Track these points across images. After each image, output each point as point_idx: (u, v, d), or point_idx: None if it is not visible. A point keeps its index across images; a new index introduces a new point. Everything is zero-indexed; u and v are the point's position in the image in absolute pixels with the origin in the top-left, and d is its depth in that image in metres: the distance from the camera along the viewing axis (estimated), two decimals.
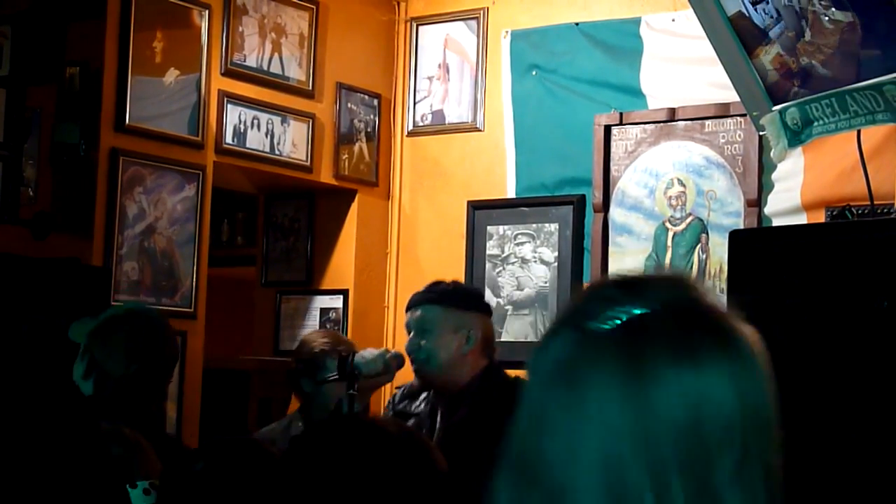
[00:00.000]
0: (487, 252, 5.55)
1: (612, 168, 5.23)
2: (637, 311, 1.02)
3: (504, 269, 5.50)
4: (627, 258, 5.17)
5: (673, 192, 5.11)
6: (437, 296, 3.75)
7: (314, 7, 5.55)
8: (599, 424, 0.98)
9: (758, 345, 1.06)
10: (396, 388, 3.95)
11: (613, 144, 5.24)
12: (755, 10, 3.17)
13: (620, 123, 5.23)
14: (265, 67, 5.34)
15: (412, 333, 3.74)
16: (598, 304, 1.04)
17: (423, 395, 3.81)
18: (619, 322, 1.02)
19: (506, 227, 5.52)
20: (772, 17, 3.15)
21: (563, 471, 0.98)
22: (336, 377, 3.97)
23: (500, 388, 3.56)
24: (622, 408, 0.98)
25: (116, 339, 3.05)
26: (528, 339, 5.35)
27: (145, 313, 3.30)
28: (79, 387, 3.02)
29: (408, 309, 3.79)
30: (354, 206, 5.75)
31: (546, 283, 5.39)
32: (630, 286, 1.06)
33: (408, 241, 5.84)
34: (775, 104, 3.26)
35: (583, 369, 1.01)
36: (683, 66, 5.09)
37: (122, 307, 3.46)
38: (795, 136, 3.25)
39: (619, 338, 1.01)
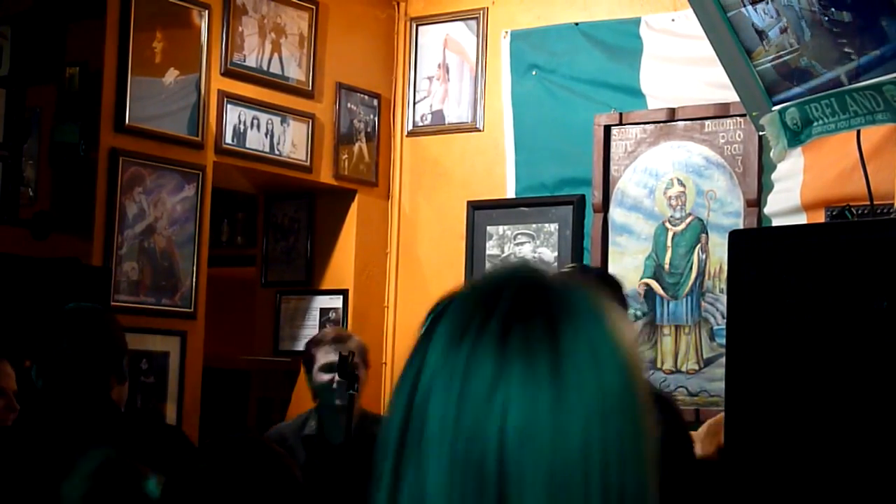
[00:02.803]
0: (487, 252, 5.55)
1: (612, 168, 5.24)
2: (429, 318, 1.05)
3: None
4: (627, 258, 5.17)
5: (673, 192, 5.11)
6: None
7: (314, 7, 5.55)
8: None
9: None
10: None
11: (613, 144, 5.24)
12: (755, 10, 3.17)
13: (620, 123, 5.23)
14: (265, 67, 5.34)
15: None
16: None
17: None
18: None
19: (506, 227, 5.52)
20: (772, 17, 3.15)
21: None
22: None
23: None
24: None
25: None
26: None
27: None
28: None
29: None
30: (354, 206, 5.75)
31: None
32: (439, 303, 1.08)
33: (408, 241, 5.84)
34: (775, 104, 3.27)
35: None
36: (683, 66, 5.09)
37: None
38: (795, 136, 3.26)
39: (418, 341, 1.06)
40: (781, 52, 3.15)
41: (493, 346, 0.97)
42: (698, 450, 3.36)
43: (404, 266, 5.84)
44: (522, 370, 0.96)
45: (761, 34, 3.14)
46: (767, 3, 3.12)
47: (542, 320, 0.98)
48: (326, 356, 4.35)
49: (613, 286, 3.68)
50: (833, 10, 2.97)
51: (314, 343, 4.48)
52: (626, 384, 0.99)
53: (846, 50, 2.99)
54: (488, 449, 0.95)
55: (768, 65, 3.19)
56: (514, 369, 0.96)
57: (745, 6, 3.19)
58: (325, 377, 4.34)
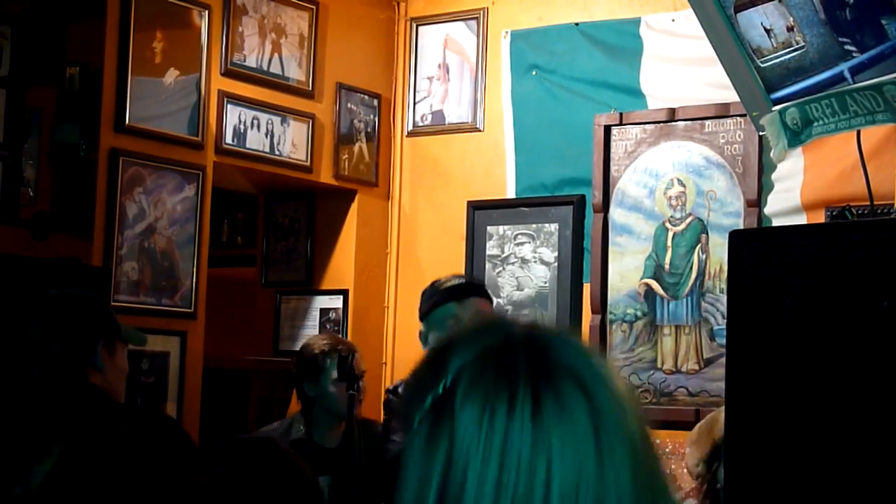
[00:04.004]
0: (487, 252, 5.55)
1: (612, 168, 5.24)
2: (440, 390, 1.03)
3: (504, 269, 5.50)
4: (627, 258, 5.17)
5: (673, 192, 5.11)
6: (483, 289, 3.81)
7: (314, 7, 5.55)
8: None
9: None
10: (387, 390, 3.95)
11: (613, 144, 5.24)
12: (755, 10, 3.17)
13: (620, 123, 5.23)
14: (265, 67, 5.34)
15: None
16: (415, 391, 1.07)
17: None
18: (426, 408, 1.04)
19: (506, 227, 5.52)
20: (772, 17, 3.15)
21: None
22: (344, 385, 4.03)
23: None
24: None
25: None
26: None
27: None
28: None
29: (459, 298, 3.69)
30: (354, 207, 5.76)
31: (546, 283, 5.39)
32: (431, 365, 1.07)
33: (408, 242, 5.84)
34: (775, 104, 3.26)
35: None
36: (683, 66, 5.09)
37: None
38: (795, 137, 3.25)
39: (427, 426, 1.04)
40: (788, 49, 3.15)
41: (529, 415, 0.97)
42: (693, 452, 3.35)
43: (404, 266, 5.84)
44: (562, 434, 0.97)
45: (769, 32, 3.15)
46: (767, 3, 3.12)
47: (569, 381, 0.99)
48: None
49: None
50: (837, 11, 2.97)
51: (326, 353, 4.40)
52: (645, 430, 1.02)
53: (847, 48, 3.00)
54: None
55: (775, 61, 3.19)
56: (554, 434, 0.97)
57: (745, 6, 3.19)
58: (341, 388, 4.27)
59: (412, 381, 1.07)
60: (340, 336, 5.31)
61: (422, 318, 3.74)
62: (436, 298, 3.72)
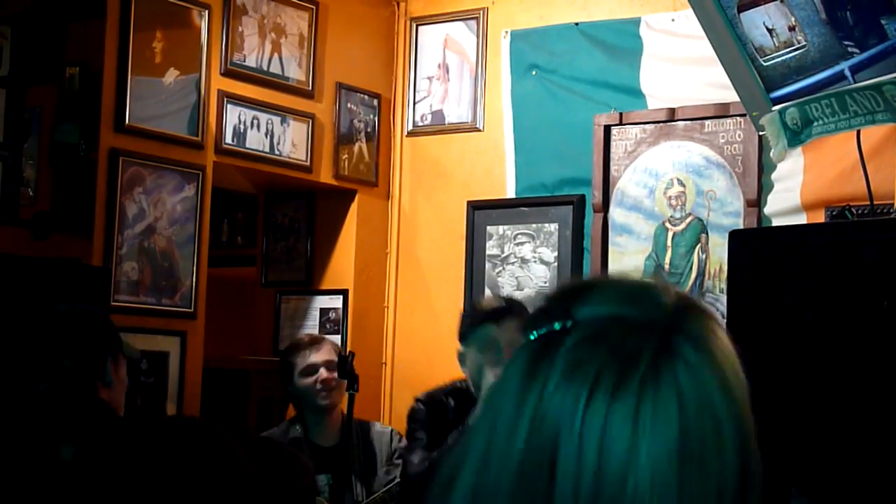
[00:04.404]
0: (487, 252, 5.55)
1: (612, 168, 5.24)
2: (556, 326, 1.00)
3: (504, 269, 5.50)
4: (627, 258, 5.17)
5: (673, 192, 5.11)
6: (522, 310, 3.66)
7: (314, 7, 5.55)
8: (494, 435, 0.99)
9: (694, 383, 0.98)
10: (416, 399, 3.91)
11: (613, 144, 5.24)
12: (757, 10, 3.17)
13: (620, 123, 5.23)
14: (265, 67, 5.34)
15: (506, 347, 3.56)
16: (539, 313, 1.03)
17: (454, 402, 3.78)
18: (537, 335, 1.01)
19: (506, 227, 5.52)
20: (772, 17, 3.15)
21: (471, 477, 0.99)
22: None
23: None
24: (511, 425, 0.98)
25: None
26: None
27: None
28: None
29: (497, 320, 3.64)
30: (354, 206, 5.75)
31: (546, 283, 5.39)
32: (565, 296, 1.04)
33: (408, 241, 5.84)
34: (775, 103, 3.27)
35: (501, 379, 1.02)
36: (683, 66, 5.09)
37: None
38: (795, 136, 3.26)
39: (529, 355, 1.00)
40: (789, 49, 3.16)
41: (631, 413, 0.96)
42: None
43: (404, 266, 5.84)
44: (652, 437, 0.96)
45: (771, 31, 3.16)
46: (768, 3, 3.12)
47: (672, 391, 0.97)
48: (305, 360, 4.44)
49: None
50: (837, 11, 2.98)
51: (290, 351, 4.58)
52: (748, 444, 1.00)
53: (848, 47, 3.00)
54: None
55: (777, 60, 3.19)
56: (647, 431, 0.96)
57: (745, 6, 3.19)
58: (308, 380, 4.43)
59: (544, 298, 1.05)
60: (316, 334, 5.33)
61: (461, 339, 3.72)
62: (474, 320, 3.70)
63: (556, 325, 1.00)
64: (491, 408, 1.00)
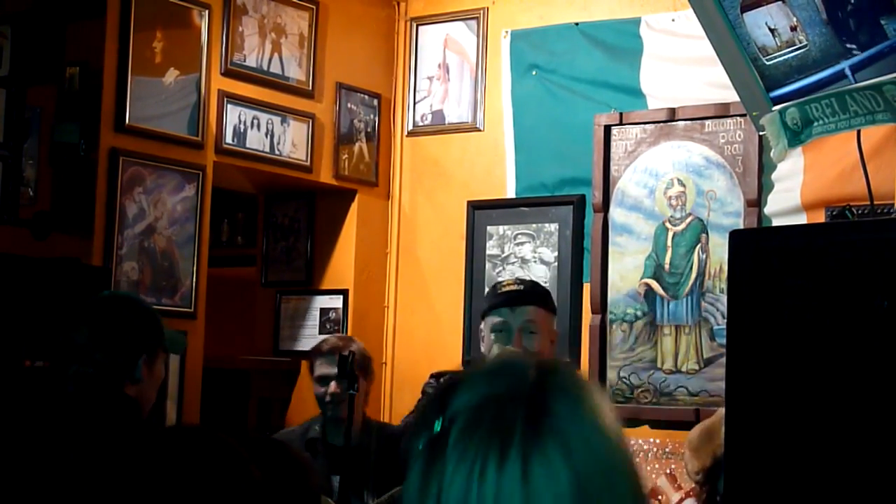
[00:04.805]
0: (487, 252, 5.56)
1: (612, 168, 5.24)
2: (437, 428, 1.07)
3: (504, 269, 5.50)
4: (627, 258, 5.17)
5: (673, 192, 5.11)
6: (541, 297, 3.67)
7: (314, 7, 5.55)
8: None
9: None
10: (432, 375, 3.88)
11: (613, 144, 5.24)
12: (760, 10, 3.17)
13: (620, 123, 5.23)
14: (265, 67, 5.34)
15: (516, 332, 3.57)
16: (420, 422, 1.11)
17: None
18: (424, 442, 1.09)
19: (506, 227, 5.52)
20: (774, 17, 3.15)
21: None
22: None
23: None
24: None
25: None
26: None
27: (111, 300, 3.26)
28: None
29: (512, 305, 3.61)
30: (354, 206, 5.75)
31: (546, 283, 5.39)
32: (441, 396, 1.11)
33: (408, 241, 5.84)
34: (776, 103, 3.27)
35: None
36: (683, 66, 5.09)
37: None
38: (795, 136, 3.26)
39: (423, 459, 1.08)
40: (782, 52, 3.16)
41: (519, 477, 1.02)
42: (694, 461, 3.34)
43: (404, 266, 5.84)
44: (549, 496, 1.02)
45: (773, 31, 3.16)
46: (768, 3, 3.12)
47: (557, 443, 1.04)
48: (321, 369, 4.41)
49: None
50: (838, 11, 2.98)
51: (313, 353, 4.53)
52: (636, 482, 1.08)
53: (848, 47, 3.00)
54: None
55: (779, 59, 3.19)
56: (543, 496, 1.02)
57: (745, 6, 3.20)
58: (320, 390, 4.41)
59: (420, 409, 1.13)
60: (341, 334, 5.32)
61: (480, 316, 3.73)
62: (491, 301, 3.69)
63: (437, 427, 1.07)
64: None
